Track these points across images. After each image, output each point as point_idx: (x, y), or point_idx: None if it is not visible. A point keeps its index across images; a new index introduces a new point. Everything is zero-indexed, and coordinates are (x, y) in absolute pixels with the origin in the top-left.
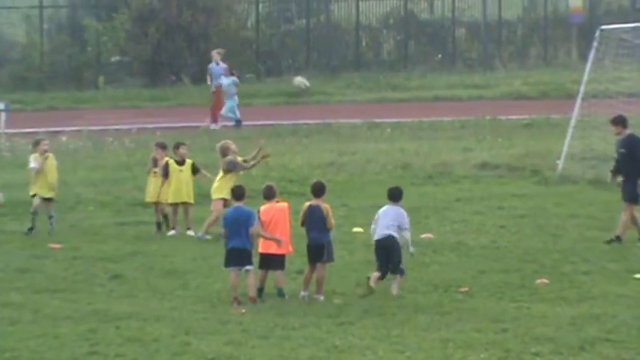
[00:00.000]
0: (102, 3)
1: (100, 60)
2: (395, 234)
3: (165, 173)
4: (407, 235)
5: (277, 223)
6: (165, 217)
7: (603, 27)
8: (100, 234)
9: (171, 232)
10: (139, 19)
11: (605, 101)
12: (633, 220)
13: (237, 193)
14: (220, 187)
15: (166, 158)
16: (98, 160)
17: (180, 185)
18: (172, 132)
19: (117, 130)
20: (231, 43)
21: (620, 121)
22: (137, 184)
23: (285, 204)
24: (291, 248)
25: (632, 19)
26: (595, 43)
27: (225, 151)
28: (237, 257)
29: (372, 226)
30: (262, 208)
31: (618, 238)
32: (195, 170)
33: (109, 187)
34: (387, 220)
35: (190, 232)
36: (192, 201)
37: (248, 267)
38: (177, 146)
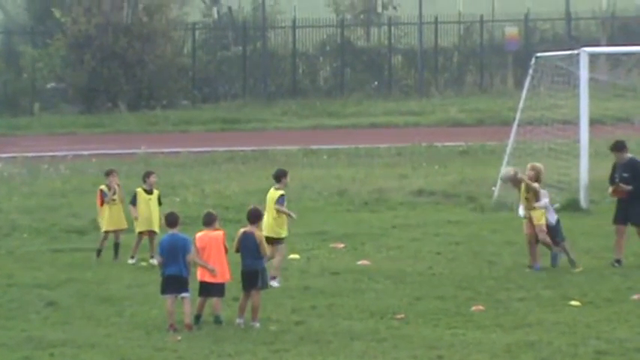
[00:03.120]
0: (37, 30)
1: (35, 86)
2: None
3: (133, 201)
4: None
5: (211, 251)
6: (117, 245)
7: (539, 54)
8: (35, 261)
9: (131, 261)
10: (74, 46)
11: (541, 128)
12: (620, 243)
13: (171, 220)
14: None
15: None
16: (33, 186)
17: (148, 214)
18: (108, 159)
19: (52, 156)
20: (167, 69)
21: (621, 147)
22: (72, 211)
23: (220, 232)
24: (228, 276)
25: (567, 47)
26: (530, 71)
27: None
28: (174, 284)
29: None
30: (198, 235)
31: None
32: (160, 202)
33: (44, 214)
34: None
35: (153, 261)
36: (158, 230)
37: (184, 294)
38: (147, 175)
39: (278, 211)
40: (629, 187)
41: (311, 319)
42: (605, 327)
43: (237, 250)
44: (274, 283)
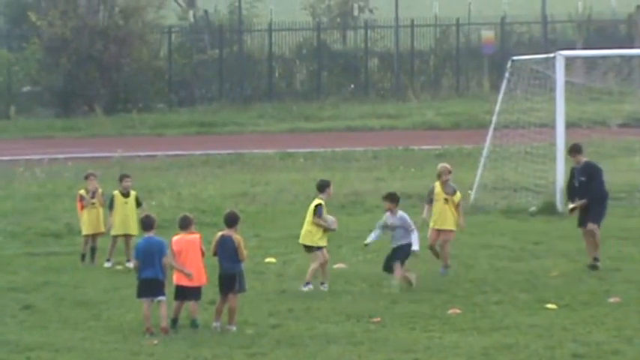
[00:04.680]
0: (13, 33)
1: (11, 90)
2: None
3: (111, 205)
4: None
5: (188, 255)
6: (94, 249)
7: (515, 58)
8: (11, 264)
9: (107, 264)
10: (50, 49)
11: (517, 131)
12: (590, 243)
13: (147, 223)
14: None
15: (98, 189)
16: (8, 190)
17: (125, 217)
18: (84, 162)
19: (28, 160)
20: (143, 73)
21: (578, 150)
22: (48, 215)
23: (196, 235)
24: (205, 279)
25: (543, 50)
26: (507, 74)
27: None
28: (150, 288)
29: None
30: (174, 238)
31: (596, 260)
32: (138, 203)
33: (19, 217)
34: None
35: (130, 264)
36: (136, 233)
37: (160, 298)
38: (121, 178)
39: (316, 224)
40: (584, 201)
41: (288, 323)
42: (582, 330)
43: (215, 254)
44: (305, 288)
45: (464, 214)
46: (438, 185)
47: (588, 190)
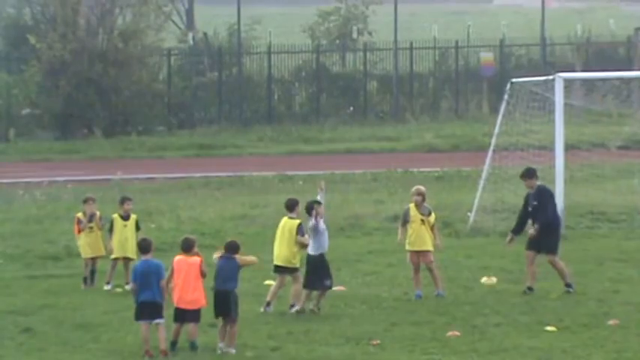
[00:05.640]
0: (12, 56)
1: (10, 113)
2: None
3: (110, 228)
4: None
5: (188, 277)
6: (93, 272)
7: (514, 80)
8: (10, 287)
9: (107, 287)
10: (49, 72)
11: (516, 153)
12: (531, 269)
13: (144, 246)
14: None
15: (97, 213)
16: (8, 213)
17: (124, 240)
18: (84, 185)
19: (27, 182)
20: (142, 95)
21: (531, 175)
22: (48, 237)
23: (198, 258)
24: (204, 302)
25: (542, 73)
26: (506, 96)
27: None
28: (148, 310)
29: None
30: (176, 258)
31: (569, 286)
32: (138, 227)
33: (19, 240)
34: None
35: (129, 287)
36: (134, 256)
37: (158, 320)
38: (122, 201)
39: (299, 243)
40: (533, 232)
41: (287, 345)
42: (582, 352)
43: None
44: (294, 309)
45: (440, 235)
46: (413, 207)
47: (539, 215)
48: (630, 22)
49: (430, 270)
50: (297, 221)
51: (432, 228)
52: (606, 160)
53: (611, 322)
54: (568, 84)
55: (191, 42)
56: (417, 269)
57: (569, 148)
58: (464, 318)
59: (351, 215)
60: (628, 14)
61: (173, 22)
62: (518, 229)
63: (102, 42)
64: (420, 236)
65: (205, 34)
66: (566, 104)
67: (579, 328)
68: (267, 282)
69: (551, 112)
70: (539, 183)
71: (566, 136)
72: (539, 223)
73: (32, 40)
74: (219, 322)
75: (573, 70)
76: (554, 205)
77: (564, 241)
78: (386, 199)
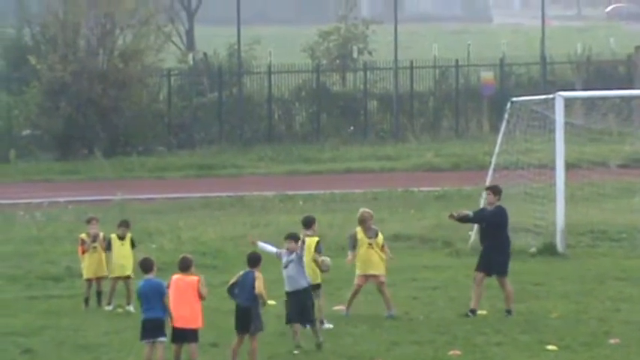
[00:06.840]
0: (13, 76)
1: (11, 133)
2: None
3: (109, 247)
4: None
5: (185, 296)
6: (99, 293)
7: (514, 99)
8: (11, 308)
9: (109, 307)
10: (50, 93)
11: (517, 172)
12: (477, 292)
13: (145, 265)
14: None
15: (100, 233)
16: (9, 233)
17: (122, 258)
18: (84, 205)
19: (28, 203)
20: (142, 116)
21: (499, 193)
22: (48, 258)
23: (195, 278)
24: (201, 322)
25: (542, 92)
26: (506, 115)
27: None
28: (152, 328)
29: None
30: (174, 277)
31: (509, 312)
32: (133, 244)
33: (19, 260)
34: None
35: (130, 308)
36: (132, 275)
37: (161, 339)
38: (120, 225)
39: (315, 261)
40: (454, 216)
41: None
42: None
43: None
44: (327, 325)
45: (388, 250)
46: (359, 231)
47: (493, 235)
48: (631, 41)
49: (381, 292)
50: (316, 239)
51: (381, 248)
52: (607, 178)
53: (612, 341)
54: (568, 103)
55: (191, 62)
56: (357, 291)
57: (569, 166)
58: (465, 337)
59: (351, 235)
60: (628, 33)
61: (173, 42)
62: (464, 217)
63: (102, 63)
64: (368, 260)
65: (205, 54)
66: (566, 123)
67: (580, 347)
68: (268, 302)
69: (552, 130)
70: (499, 204)
71: (566, 155)
72: (492, 243)
73: (33, 60)
74: (234, 339)
75: (573, 89)
76: (507, 227)
77: (565, 260)
78: (386, 219)
